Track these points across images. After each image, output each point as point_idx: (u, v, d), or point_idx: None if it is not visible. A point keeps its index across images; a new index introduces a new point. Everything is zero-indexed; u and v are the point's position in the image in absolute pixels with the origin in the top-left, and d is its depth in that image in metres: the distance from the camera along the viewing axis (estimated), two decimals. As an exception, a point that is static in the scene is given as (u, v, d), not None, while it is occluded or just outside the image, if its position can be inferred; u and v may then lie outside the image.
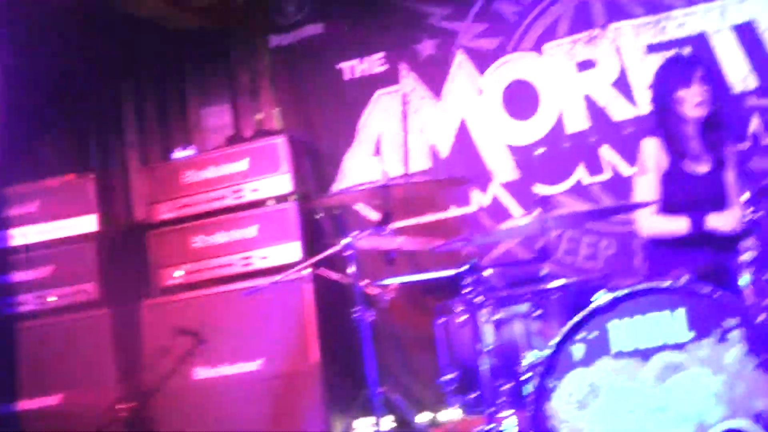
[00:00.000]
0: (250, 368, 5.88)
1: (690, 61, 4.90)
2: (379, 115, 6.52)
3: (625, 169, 5.80)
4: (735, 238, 4.23)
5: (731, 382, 3.59)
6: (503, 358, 4.20)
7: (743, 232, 4.01)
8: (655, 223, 4.80)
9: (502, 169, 6.21)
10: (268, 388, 5.81)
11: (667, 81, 4.85)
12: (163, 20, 6.84)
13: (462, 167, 6.24)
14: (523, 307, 4.25)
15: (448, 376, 4.59)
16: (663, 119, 4.87)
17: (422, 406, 6.00)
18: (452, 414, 5.60)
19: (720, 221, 4.63)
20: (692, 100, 4.77)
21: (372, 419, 4.93)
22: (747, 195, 3.97)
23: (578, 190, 5.99)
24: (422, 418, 5.96)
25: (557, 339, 3.72)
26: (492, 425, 4.14)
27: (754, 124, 5.59)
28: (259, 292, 5.64)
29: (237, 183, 6.16)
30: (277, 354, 5.83)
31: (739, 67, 5.72)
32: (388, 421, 5.53)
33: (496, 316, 4.27)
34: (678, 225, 4.71)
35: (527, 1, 6.20)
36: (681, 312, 3.64)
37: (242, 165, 6.17)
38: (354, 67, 6.60)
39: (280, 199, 6.08)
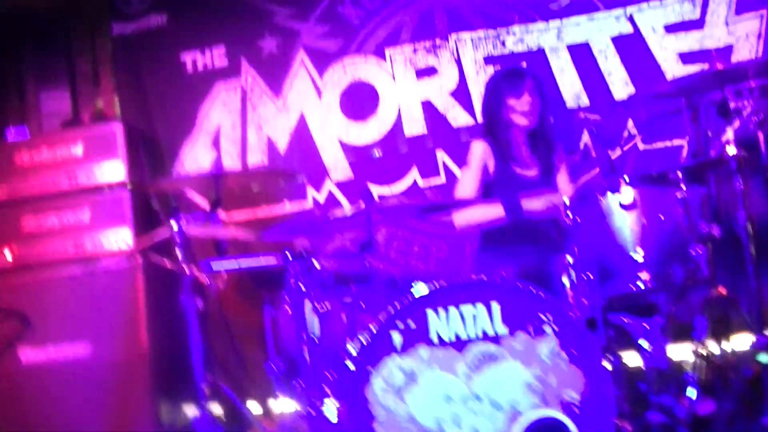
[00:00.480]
0: (78, 353, 5.78)
1: (521, 73, 5.11)
2: (218, 108, 6.54)
3: (459, 175, 5.99)
4: (559, 240, 4.42)
5: (543, 374, 3.76)
6: (328, 348, 4.28)
7: (565, 233, 4.18)
8: (469, 212, 4.94)
9: (338, 167, 6.32)
10: (96, 374, 5.73)
11: (498, 89, 5.05)
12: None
13: (298, 164, 6.34)
14: (348, 299, 4.34)
15: (275, 365, 4.66)
16: (493, 125, 5.06)
17: (251, 394, 6.01)
18: (281, 403, 5.64)
19: (534, 203, 4.75)
20: (520, 109, 4.97)
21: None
22: (566, 199, 4.15)
23: (412, 192, 6.14)
24: (251, 406, 5.99)
25: (376, 327, 3.79)
26: (312, 411, 4.21)
27: (585, 137, 5.84)
28: (91, 277, 5.58)
29: (71, 167, 6.07)
30: (106, 341, 5.76)
31: (573, 84, 5.99)
32: (217, 410, 5.54)
33: (323, 307, 4.34)
34: (493, 210, 4.85)
35: (371, 6, 6.31)
36: (496, 306, 3.77)
37: (77, 149, 6.08)
38: (196, 60, 6.59)
39: (114, 185, 6.02)
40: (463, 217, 4.96)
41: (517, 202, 4.77)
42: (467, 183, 5.03)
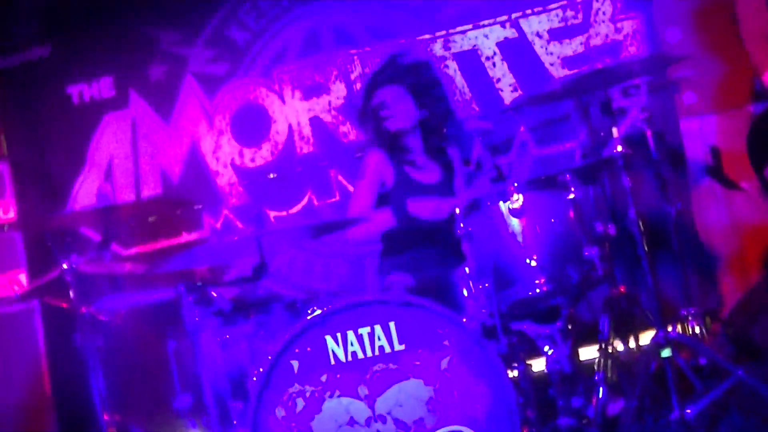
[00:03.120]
0: (-21, 402, 5.64)
1: (385, 80, 5.04)
2: (109, 140, 6.44)
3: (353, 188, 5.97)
4: (457, 252, 4.41)
5: (445, 389, 3.73)
6: (233, 379, 4.21)
7: (460, 244, 4.17)
8: (360, 228, 4.88)
9: (233, 193, 6.26)
10: (0, 423, 5.59)
11: (367, 99, 5.01)
12: None
13: (193, 192, 6.26)
14: (249, 327, 4.28)
15: (182, 400, 4.57)
16: (377, 135, 5.01)
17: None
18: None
19: (422, 209, 4.76)
20: (391, 117, 4.93)
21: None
22: (458, 210, 4.13)
23: (308, 213, 6.10)
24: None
25: (273, 355, 3.74)
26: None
27: (476, 146, 5.86)
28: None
29: (-42, 210, 5.92)
30: (8, 388, 5.62)
31: (462, 93, 6.00)
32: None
33: (223, 337, 4.27)
34: (381, 217, 4.83)
35: (257, 28, 6.28)
36: (393, 325, 3.74)
37: (-37, 193, 5.94)
38: (82, 91, 6.47)
39: (5, 226, 5.87)
40: (357, 234, 4.91)
41: (404, 207, 4.77)
42: (361, 195, 4.96)
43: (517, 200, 4.02)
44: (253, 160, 6.24)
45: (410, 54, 5.23)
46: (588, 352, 4.86)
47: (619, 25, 5.84)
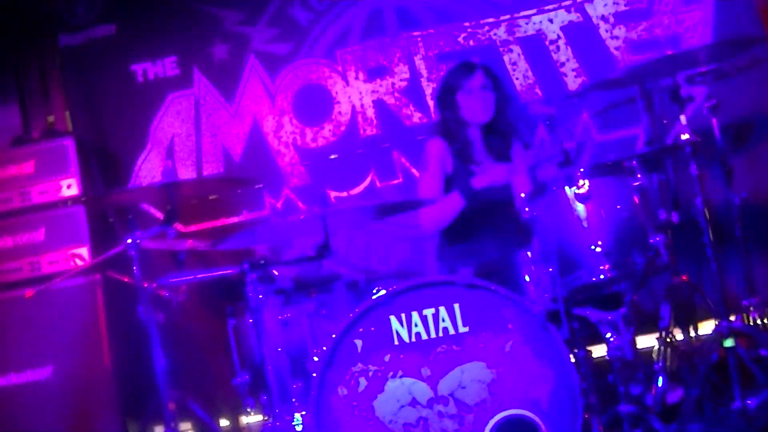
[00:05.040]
0: (41, 376, 5.69)
1: (470, 68, 5.04)
2: (171, 119, 6.47)
3: (416, 174, 5.97)
4: (519, 235, 4.40)
5: (508, 372, 3.75)
6: (293, 357, 4.25)
7: (526, 227, 4.16)
8: (432, 211, 4.91)
9: (294, 173, 6.28)
10: (60, 395, 5.65)
11: (450, 86, 5.02)
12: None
13: (255, 171, 6.28)
14: (311, 306, 4.31)
15: (241, 378, 4.62)
16: (447, 124, 5.03)
17: (219, 410, 5.94)
18: (251, 417, 5.60)
19: (486, 179, 4.82)
20: (472, 106, 4.95)
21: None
22: (524, 194, 4.13)
23: (370, 194, 6.11)
24: (221, 422, 5.93)
25: (337, 334, 3.78)
26: (279, 423, 4.17)
27: (540, 130, 5.84)
28: (48, 296, 5.51)
29: (23, 185, 5.97)
30: (68, 360, 5.68)
31: (526, 77, 5.99)
32: (186, 427, 5.49)
33: (285, 316, 4.31)
34: (450, 201, 4.85)
35: (320, 8, 6.28)
36: (457, 307, 3.77)
37: (28, 167, 5.99)
38: (147, 70, 6.51)
39: (68, 201, 5.94)
40: (428, 219, 4.94)
41: (469, 185, 4.80)
42: (428, 185, 4.99)
43: (583, 185, 4.00)
44: (315, 140, 6.26)
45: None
46: (646, 340, 4.85)
47: (685, 9, 5.79)
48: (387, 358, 3.76)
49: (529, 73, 6.01)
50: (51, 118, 6.73)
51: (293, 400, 4.20)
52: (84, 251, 5.85)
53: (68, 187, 5.94)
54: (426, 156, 5.04)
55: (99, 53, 6.60)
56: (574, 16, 5.95)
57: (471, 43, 6.07)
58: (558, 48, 5.97)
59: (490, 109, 4.98)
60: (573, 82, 5.93)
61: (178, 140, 6.46)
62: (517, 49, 6.03)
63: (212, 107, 6.43)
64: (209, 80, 6.44)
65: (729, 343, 4.16)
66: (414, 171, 6.03)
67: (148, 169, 6.45)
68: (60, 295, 5.63)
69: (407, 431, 3.73)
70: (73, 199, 5.94)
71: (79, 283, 5.66)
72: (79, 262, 5.81)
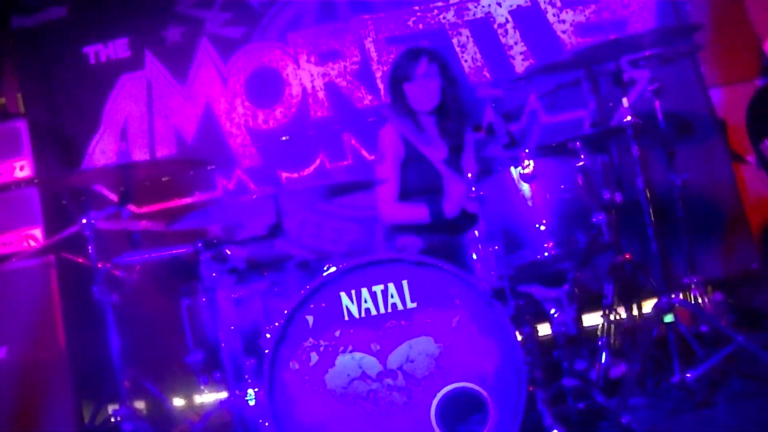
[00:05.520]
0: (-6, 358, 5.71)
1: (414, 56, 5.08)
2: (124, 101, 6.50)
3: (366, 156, 6.07)
4: (467, 218, 4.50)
5: (455, 346, 3.84)
6: (245, 335, 4.31)
7: (474, 208, 4.25)
8: (396, 212, 5.01)
9: (246, 154, 6.34)
10: (14, 376, 5.61)
11: (396, 74, 5.09)
12: None
13: (207, 153, 6.33)
14: (263, 285, 4.37)
15: (195, 357, 4.67)
16: (397, 110, 5.10)
17: (173, 388, 5.99)
18: (205, 395, 5.65)
19: (455, 207, 4.86)
20: (417, 94, 5.02)
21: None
22: (470, 174, 4.22)
23: (320, 175, 6.19)
24: (175, 400, 5.98)
25: (289, 310, 3.85)
26: (234, 400, 4.24)
27: (488, 113, 5.92)
28: (2, 277, 5.52)
29: (-24, 167, 5.99)
30: (22, 341, 5.64)
31: (474, 60, 6.08)
32: (141, 406, 5.53)
33: (237, 295, 4.37)
34: (418, 213, 4.93)
35: (273, -8, 6.35)
36: (406, 283, 3.85)
37: (-19, 149, 6.01)
38: (99, 52, 6.52)
39: (22, 183, 5.95)
40: (391, 216, 5.04)
41: (440, 209, 4.87)
42: (385, 173, 5.06)
43: (528, 166, 4.10)
44: (266, 122, 6.32)
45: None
46: (591, 319, 4.96)
47: (629, -1, 5.93)
48: (338, 333, 3.84)
49: (478, 56, 6.11)
50: (2, 100, 6.71)
51: (246, 376, 4.26)
52: (38, 232, 5.88)
53: (21, 168, 5.95)
54: (380, 144, 5.11)
55: (51, 35, 6.59)
56: (522, 0, 6.05)
57: (420, 26, 6.16)
58: (506, 31, 6.07)
59: (435, 96, 5.04)
60: (521, 65, 6.04)
61: (131, 122, 6.49)
62: (466, 32, 6.13)
63: (164, 89, 6.46)
64: (161, 62, 6.47)
65: (669, 318, 4.27)
66: (364, 152, 6.13)
67: (102, 151, 6.47)
68: (14, 276, 5.65)
69: (358, 404, 3.81)
70: (27, 181, 5.94)
71: (33, 264, 5.67)
72: (33, 243, 5.83)
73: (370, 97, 6.19)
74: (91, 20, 6.56)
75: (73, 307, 5.73)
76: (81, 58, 6.55)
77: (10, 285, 5.68)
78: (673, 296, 4.32)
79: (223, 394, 4.61)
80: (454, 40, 6.11)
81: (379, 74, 6.15)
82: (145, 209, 6.29)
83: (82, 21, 6.57)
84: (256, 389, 4.14)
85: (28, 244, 5.84)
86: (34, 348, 5.65)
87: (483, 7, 6.11)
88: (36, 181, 5.92)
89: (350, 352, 3.84)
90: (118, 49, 6.50)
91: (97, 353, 5.32)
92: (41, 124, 6.26)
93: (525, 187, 4.11)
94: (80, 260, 5.26)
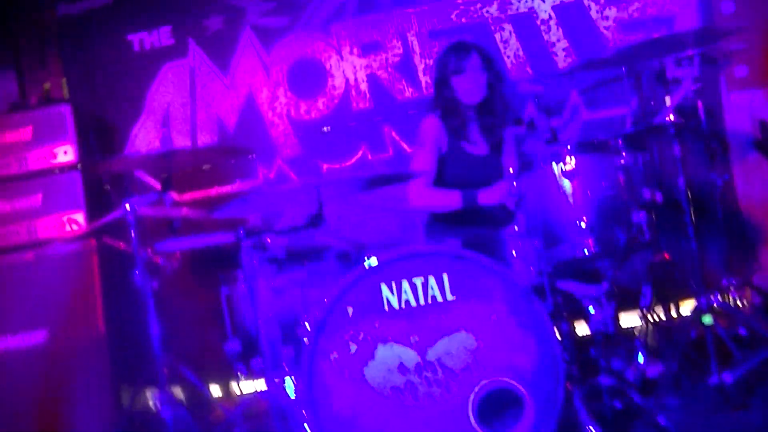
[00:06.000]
0: (35, 340, 5.73)
1: (464, 49, 5.07)
2: (167, 88, 6.55)
3: (407, 148, 6.08)
4: (506, 212, 4.50)
5: (492, 342, 3.85)
6: (284, 324, 4.34)
7: (511, 203, 4.26)
8: (426, 195, 4.98)
9: (287, 144, 6.37)
10: (54, 359, 5.67)
11: (443, 68, 5.08)
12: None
13: (248, 141, 6.38)
14: (302, 275, 4.40)
15: (233, 345, 4.71)
16: (442, 102, 5.09)
17: (211, 376, 6.02)
18: (242, 383, 5.68)
19: (491, 196, 4.80)
20: (465, 87, 5.02)
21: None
22: (512, 169, 4.23)
23: (361, 167, 6.21)
24: (212, 388, 6.02)
25: (329, 300, 3.86)
26: (271, 389, 4.27)
27: (529, 108, 5.92)
28: (44, 261, 5.58)
29: (20, 151, 6.02)
30: (62, 325, 5.70)
31: (516, 55, 6.08)
32: (178, 393, 5.57)
33: (277, 284, 4.40)
34: (449, 198, 4.90)
35: (316, -18, 6.37)
36: (446, 277, 3.86)
37: (26, 133, 6.05)
38: (143, 39, 6.58)
39: (65, 168, 6.01)
40: (420, 199, 5.00)
41: (474, 196, 4.83)
42: (422, 161, 5.04)
43: (570, 162, 4.10)
44: (308, 112, 6.35)
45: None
46: (629, 318, 4.95)
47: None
48: (377, 324, 3.85)
49: (520, 52, 6.10)
50: (47, 85, 6.78)
51: (284, 366, 4.29)
52: (80, 217, 5.93)
53: (65, 153, 6.00)
54: (421, 133, 5.10)
55: (96, 22, 6.64)
56: (566, -5, 6.05)
57: (463, 20, 6.16)
58: (549, 27, 6.06)
59: (482, 90, 5.03)
60: (563, 61, 6.02)
61: (173, 109, 6.54)
62: (508, 27, 6.12)
63: (207, 78, 6.50)
64: (204, 51, 6.51)
65: (708, 320, 4.27)
66: (404, 145, 6.15)
67: (143, 137, 6.53)
68: (55, 260, 5.71)
69: (395, 395, 3.82)
70: (70, 166, 6.00)
71: (74, 249, 5.72)
72: (74, 228, 5.89)
73: (411, 90, 6.21)
74: (135, 8, 6.60)
75: (113, 292, 5.77)
76: (125, 46, 6.60)
77: (51, 269, 5.74)
78: (711, 298, 4.31)
79: (261, 383, 4.63)
80: (497, 35, 6.11)
81: (421, 67, 6.17)
82: (186, 196, 6.34)
83: (126, 9, 6.61)
84: (294, 379, 4.16)
85: (71, 228, 5.90)
86: (73, 332, 5.70)
87: (526, 2, 6.10)
88: (79, 165, 5.98)
89: (389, 343, 3.85)
90: (162, 36, 6.55)
91: (136, 339, 5.35)
92: (85, 110, 6.31)
93: (566, 184, 4.12)
94: (121, 246, 5.29)
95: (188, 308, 6.01)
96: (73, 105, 6.14)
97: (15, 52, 6.90)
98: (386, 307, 3.86)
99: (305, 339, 3.89)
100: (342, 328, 3.86)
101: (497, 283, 3.88)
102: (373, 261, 3.87)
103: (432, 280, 3.85)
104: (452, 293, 3.86)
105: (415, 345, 3.84)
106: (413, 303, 3.86)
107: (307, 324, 3.92)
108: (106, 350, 5.68)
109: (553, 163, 4.14)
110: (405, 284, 3.85)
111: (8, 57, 6.90)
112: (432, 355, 3.84)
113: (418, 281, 3.85)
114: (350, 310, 3.86)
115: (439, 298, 3.86)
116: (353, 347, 3.85)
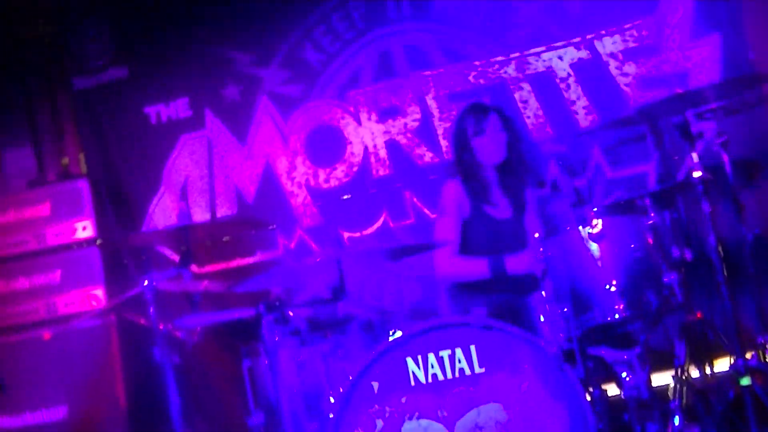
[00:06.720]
0: (56, 416, 5.68)
1: (483, 110, 5.06)
2: (185, 160, 6.53)
3: (429, 214, 6.01)
4: (533, 279, 4.42)
5: (523, 413, 3.75)
6: (308, 398, 4.26)
7: (539, 270, 4.18)
8: (454, 265, 4.93)
9: (307, 213, 6.32)
10: None
11: (463, 130, 5.05)
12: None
13: (268, 212, 6.33)
14: (326, 347, 4.32)
15: (256, 419, 4.62)
16: (462, 166, 5.05)
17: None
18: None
19: (518, 264, 4.76)
20: (486, 149, 4.97)
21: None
22: (537, 234, 4.15)
23: (383, 234, 6.14)
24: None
25: (354, 375, 3.80)
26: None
27: (552, 169, 5.85)
28: (64, 337, 5.53)
29: (39, 227, 6.00)
30: (83, 401, 5.67)
31: (536, 115, 6.03)
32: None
33: (300, 357, 4.33)
34: (477, 267, 4.84)
35: (332, 50, 6.34)
36: (472, 348, 3.79)
37: (44, 209, 6.03)
38: (160, 112, 6.57)
39: (83, 243, 5.98)
40: (448, 269, 4.94)
41: (502, 263, 4.77)
42: (446, 230, 4.99)
43: (597, 225, 4.02)
44: (327, 181, 6.31)
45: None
46: (661, 378, 4.83)
47: (690, 51, 5.82)
48: (404, 399, 3.78)
49: (540, 111, 6.04)
50: (65, 161, 6.79)
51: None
52: (99, 292, 5.89)
53: (83, 229, 5.97)
54: (443, 200, 5.06)
55: (113, 96, 6.67)
56: (583, 53, 6.00)
57: (481, 81, 6.12)
58: (568, 86, 6.01)
59: (502, 150, 5.00)
60: (584, 120, 5.96)
61: (191, 182, 6.52)
62: (527, 86, 6.07)
63: (225, 148, 6.48)
64: (221, 121, 6.50)
65: (745, 381, 4.15)
66: (426, 210, 6.07)
67: (162, 211, 6.50)
68: (76, 335, 5.65)
69: (424, 473, 3.73)
70: (89, 241, 5.97)
71: (94, 325, 5.67)
72: (95, 304, 5.84)
73: (430, 155, 6.15)
74: (151, 81, 6.62)
75: (134, 367, 5.71)
76: (142, 118, 6.60)
77: (71, 345, 5.69)
78: (748, 357, 4.20)
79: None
80: (516, 95, 6.06)
81: (440, 131, 6.11)
82: (206, 269, 6.29)
83: (142, 81, 6.63)
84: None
85: (91, 304, 5.86)
86: (94, 407, 5.65)
87: (544, 61, 6.06)
88: (98, 241, 5.94)
89: (417, 418, 3.77)
90: (179, 108, 6.55)
91: (157, 413, 5.27)
92: (102, 184, 6.30)
93: (593, 247, 4.03)
94: (141, 321, 5.24)
95: (211, 381, 5.94)
96: (91, 180, 6.12)
97: (32, 128, 6.92)
98: (413, 382, 3.80)
99: (330, 414, 3.82)
100: (367, 403, 3.79)
101: (526, 352, 3.81)
102: (398, 334, 3.79)
103: (459, 353, 3.79)
104: (480, 365, 3.79)
105: (443, 419, 3.77)
106: (440, 376, 3.80)
107: (331, 398, 3.84)
108: (127, 425, 5.62)
109: (580, 227, 4.06)
110: (431, 357, 3.79)
111: (25, 133, 6.92)
112: (461, 429, 3.76)
113: (445, 354, 3.79)
114: (375, 385, 3.78)
115: (467, 371, 3.79)
116: (379, 423, 3.78)
